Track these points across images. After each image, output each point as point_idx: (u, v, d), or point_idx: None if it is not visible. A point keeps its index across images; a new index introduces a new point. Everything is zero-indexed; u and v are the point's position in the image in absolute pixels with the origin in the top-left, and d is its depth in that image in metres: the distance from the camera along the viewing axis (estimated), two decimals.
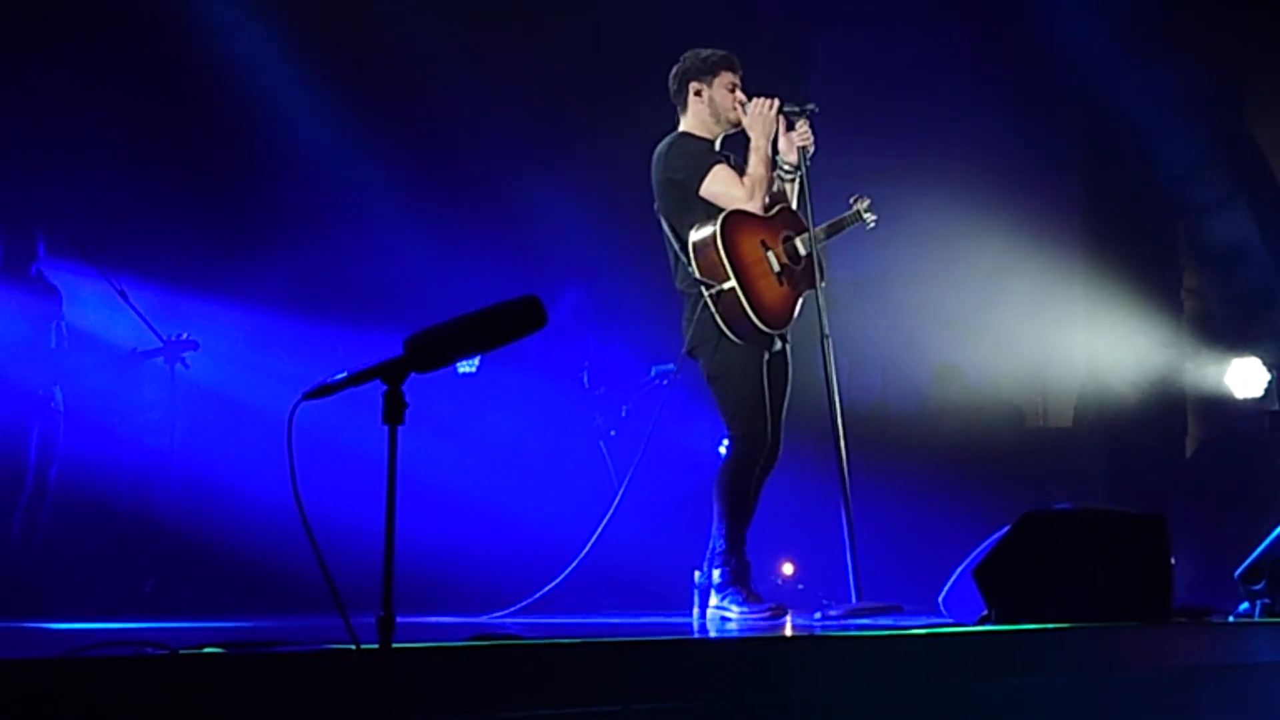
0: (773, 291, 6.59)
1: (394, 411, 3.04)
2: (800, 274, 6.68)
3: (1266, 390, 11.26)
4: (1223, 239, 11.75)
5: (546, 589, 6.96)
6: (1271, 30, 11.47)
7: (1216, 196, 11.64)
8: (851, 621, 6.05)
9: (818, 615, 6.52)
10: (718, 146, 6.84)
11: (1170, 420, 11.74)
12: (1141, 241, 11.88)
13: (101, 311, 8.89)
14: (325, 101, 10.32)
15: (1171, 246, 12.17)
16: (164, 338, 8.87)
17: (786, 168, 6.81)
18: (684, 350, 6.70)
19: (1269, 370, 11.25)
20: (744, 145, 6.73)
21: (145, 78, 9.86)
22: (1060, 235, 11.69)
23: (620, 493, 6.90)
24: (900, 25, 12.03)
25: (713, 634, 5.64)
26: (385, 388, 3.05)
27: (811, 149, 6.79)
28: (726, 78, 6.81)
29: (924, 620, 5.86)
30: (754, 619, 6.32)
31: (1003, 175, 11.64)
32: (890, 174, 10.43)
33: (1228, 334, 11.71)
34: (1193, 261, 12.13)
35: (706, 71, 6.82)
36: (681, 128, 6.86)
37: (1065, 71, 11.52)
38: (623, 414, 9.95)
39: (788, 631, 5.79)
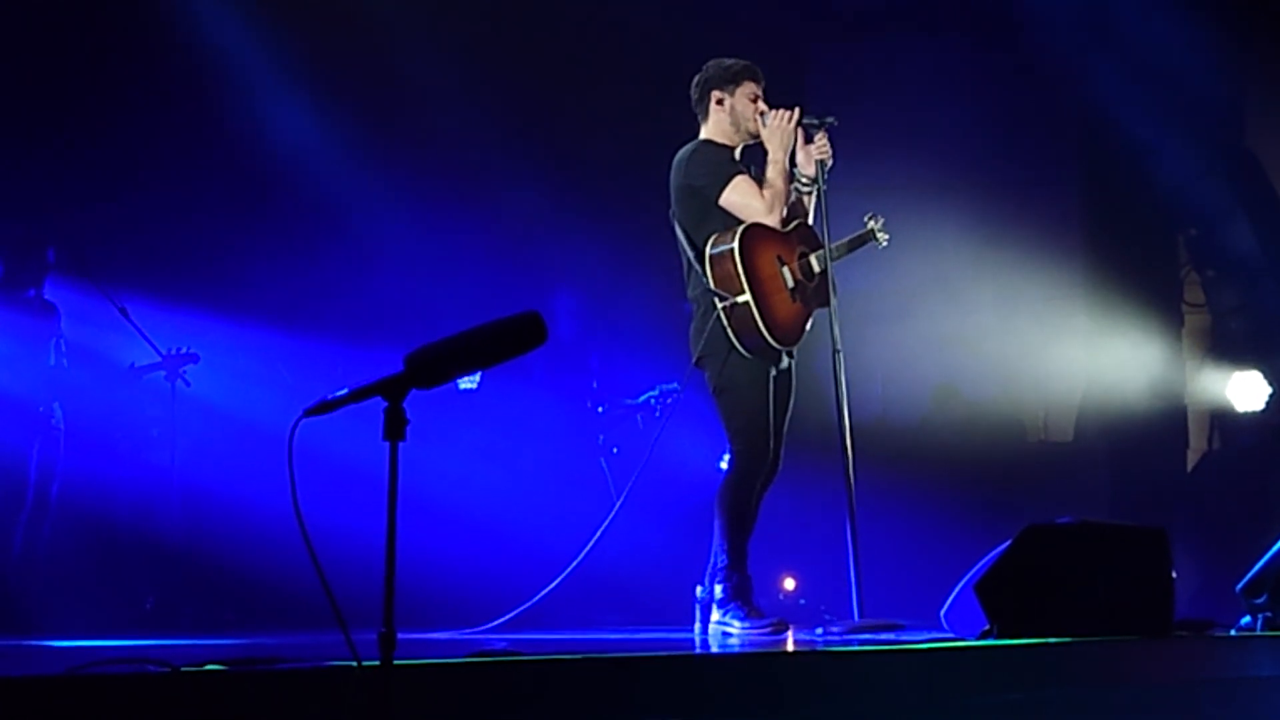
0: (786, 307, 6.58)
1: (395, 428, 3.04)
2: (813, 291, 6.67)
3: (1268, 403, 11.25)
4: (1223, 253, 11.75)
5: (532, 601, 6.97)
6: (1271, 43, 11.48)
7: (1217, 210, 11.64)
8: (853, 637, 6.04)
9: (819, 631, 6.52)
10: (737, 156, 6.83)
11: (1172, 434, 11.72)
12: (1142, 255, 11.87)
13: (101, 328, 8.89)
14: (324, 116, 10.32)
15: (1172, 260, 12.17)
16: (163, 352, 8.87)
17: (804, 180, 6.80)
18: (692, 360, 6.68)
19: (1270, 384, 11.24)
20: (762, 157, 6.72)
21: (143, 93, 9.87)
22: (1061, 248, 11.69)
23: (615, 508, 6.89)
24: (899, 39, 12.03)
25: (714, 650, 5.64)
26: (386, 404, 3.05)
27: (830, 162, 6.78)
28: (749, 88, 6.80)
29: (926, 635, 5.86)
30: (756, 634, 6.31)
31: (1003, 189, 11.65)
32: (890, 188, 10.45)
33: (1229, 347, 11.70)
34: (1193, 275, 12.13)
35: (729, 80, 6.80)
36: (702, 135, 6.85)
37: (1064, 84, 11.53)
38: (624, 429, 9.95)
39: (790, 647, 5.78)
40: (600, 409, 10.13)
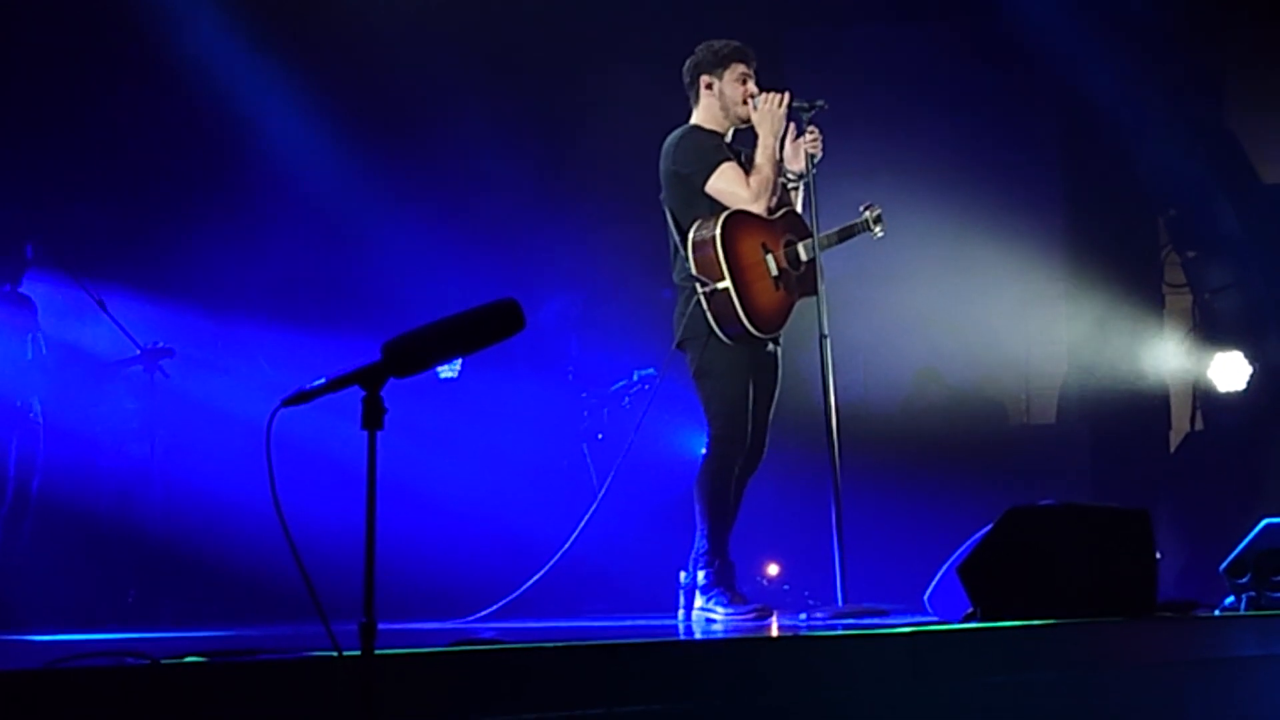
0: (768, 295, 6.54)
1: (373, 417, 3.01)
2: (798, 280, 6.64)
3: (1250, 383, 11.26)
4: (1204, 234, 11.76)
5: (518, 592, 6.96)
6: (1250, 23, 11.49)
7: (1197, 191, 11.64)
8: (837, 622, 6.03)
9: (803, 617, 6.51)
10: (728, 140, 6.79)
11: (1154, 415, 11.74)
12: (1122, 236, 11.88)
13: (79, 321, 8.86)
14: (305, 107, 10.29)
15: (1153, 241, 12.18)
16: (141, 346, 8.84)
17: (791, 176, 6.76)
18: (674, 343, 6.67)
19: (1251, 363, 11.25)
20: (754, 141, 6.68)
21: (120, 85, 9.82)
22: (1041, 230, 11.69)
23: (600, 495, 6.88)
24: (876, 23, 12.02)
25: (698, 635, 5.63)
26: (364, 393, 3.03)
27: (819, 154, 6.74)
28: (738, 69, 6.77)
29: (910, 619, 5.85)
30: (739, 620, 6.30)
31: (983, 172, 11.64)
32: (869, 172, 10.43)
33: (1210, 328, 11.71)
34: (1174, 256, 12.14)
35: (718, 64, 6.78)
36: (692, 120, 6.82)
37: (1043, 67, 11.52)
38: (605, 415, 9.94)
39: (773, 632, 5.77)
40: (584, 394, 10.12)
